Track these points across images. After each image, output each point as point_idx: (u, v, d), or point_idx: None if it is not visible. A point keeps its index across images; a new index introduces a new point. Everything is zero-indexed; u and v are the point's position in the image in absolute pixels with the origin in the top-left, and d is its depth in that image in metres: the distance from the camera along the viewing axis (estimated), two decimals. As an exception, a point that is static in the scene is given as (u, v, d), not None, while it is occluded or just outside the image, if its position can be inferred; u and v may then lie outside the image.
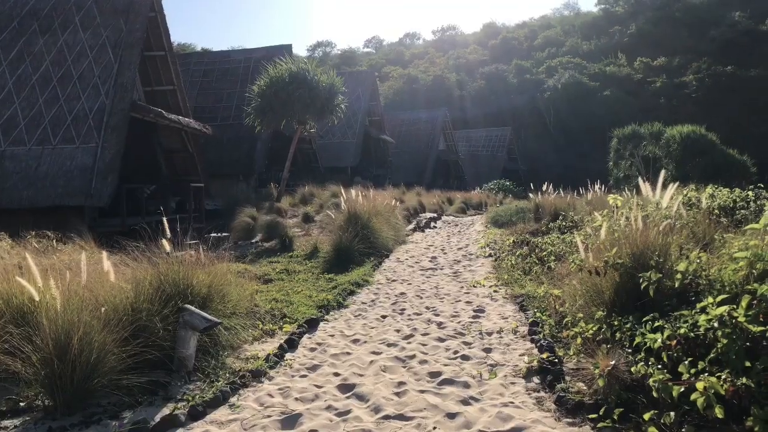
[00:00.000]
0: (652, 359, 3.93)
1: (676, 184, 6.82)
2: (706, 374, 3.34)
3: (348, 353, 5.81)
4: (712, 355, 3.44)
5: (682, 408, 3.51)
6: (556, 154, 61.63)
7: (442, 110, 51.58)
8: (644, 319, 4.23)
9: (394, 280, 9.77)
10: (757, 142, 44.79)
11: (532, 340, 5.85)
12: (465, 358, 5.46)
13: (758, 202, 8.08)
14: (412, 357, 5.55)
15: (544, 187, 17.83)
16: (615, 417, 3.77)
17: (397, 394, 4.65)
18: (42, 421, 4.16)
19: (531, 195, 18.42)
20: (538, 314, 6.64)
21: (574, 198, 17.57)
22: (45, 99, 15.23)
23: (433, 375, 5.03)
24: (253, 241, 14.44)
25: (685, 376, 3.44)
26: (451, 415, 4.20)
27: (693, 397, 3.20)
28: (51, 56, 16.02)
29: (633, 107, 58.62)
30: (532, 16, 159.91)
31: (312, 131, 24.65)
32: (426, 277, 9.99)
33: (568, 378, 4.67)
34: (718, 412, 3.10)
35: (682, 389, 3.34)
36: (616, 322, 4.58)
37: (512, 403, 4.40)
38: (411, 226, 18.18)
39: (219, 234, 12.99)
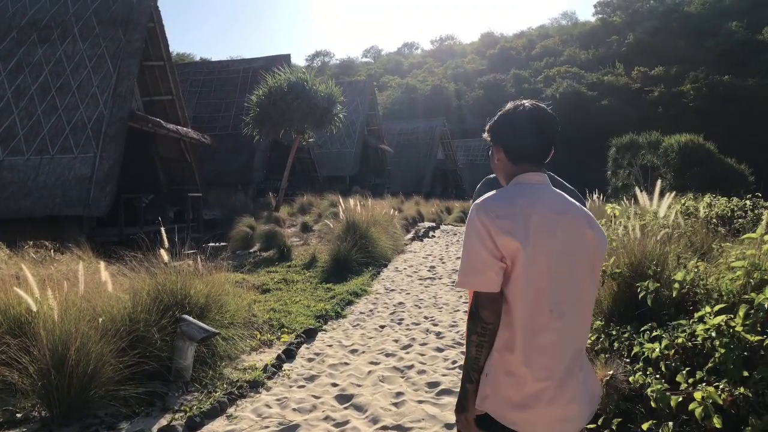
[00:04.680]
0: (650, 369, 3.93)
1: (674, 193, 6.84)
2: (704, 384, 3.34)
3: (346, 363, 5.80)
4: (710, 365, 3.44)
5: (680, 418, 3.51)
6: (554, 164, 61.58)
7: (440, 120, 51.67)
8: (642, 328, 4.23)
9: (392, 290, 9.76)
10: (755, 151, 44.85)
11: (531, 350, 5.84)
12: (463, 368, 5.45)
13: (756, 211, 8.10)
14: (411, 367, 5.55)
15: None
16: (613, 427, 3.76)
17: (396, 404, 4.64)
18: (38, 433, 4.15)
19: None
20: (536, 324, 6.63)
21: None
22: (44, 109, 15.25)
23: (432, 385, 5.02)
24: (252, 250, 14.42)
25: (683, 386, 3.44)
26: (450, 426, 4.19)
27: (691, 407, 3.20)
28: (50, 66, 16.06)
29: (631, 116, 58.71)
30: (530, 25, 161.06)
31: (310, 141, 24.68)
32: (424, 287, 9.98)
33: (566, 388, 4.66)
34: (716, 422, 3.09)
35: (680, 399, 3.34)
36: (614, 332, 4.58)
37: (510, 413, 4.39)
38: (409, 236, 18.18)
39: (217, 244, 12.97)
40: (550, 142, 2.13)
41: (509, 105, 2.17)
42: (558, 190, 2.08)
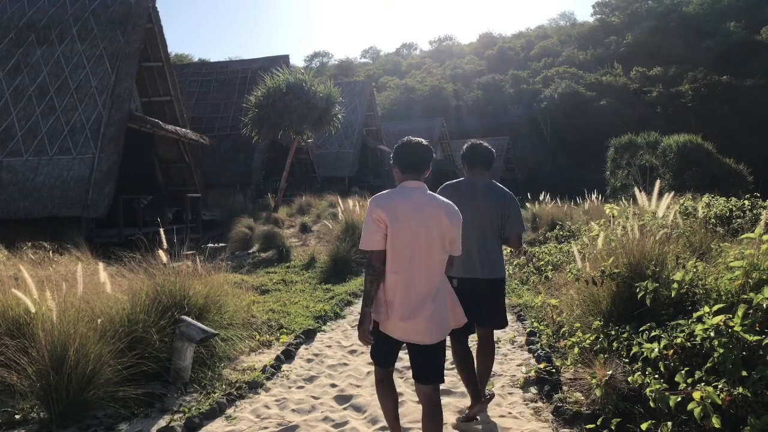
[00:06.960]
0: (649, 369, 3.93)
1: (673, 193, 6.85)
2: (703, 384, 3.34)
3: (345, 364, 5.80)
4: (708, 365, 3.44)
5: (679, 418, 3.51)
6: (553, 164, 61.74)
7: (438, 120, 51.67)
8: (641, 328, 4.24)
9: (391, 290, 9.73)
10: (753, 152, 44.86)
11: (530, 350, 5.85)
12: (462, 368, 5.45)
13: (754, 211, 8.09)
14: (410, 367, 5.53)
15: (542, 197, 17.85)
16: (612, 427, 3.76)
17: (395, 404, 4.63)
18: (37, 434, 4.14)
19: (528, 204, 18.41)
20: (535, 324, 6.64)
21: (572, 207, 17.60)
22: (42, 110, 15.23)
23: (431, 385, 5.01)
24: (251, 251, 14.42)
25: (682, 386, 3.44)
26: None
27: (690, 406, 3.20)
28: (48, 67, 16.04)
29: (629, 117, 58.72)
30: (529, 26, 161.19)
31: (309, 141, 24.69)
32: (423, 287, 9.95)
33: (565, 388, 4.66)
34: (715, 422, 3.10)
35: (679, 399, 3.34)
36: (613, 332, 4.58)
37: (510, 413, 4.39)
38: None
39: (216, 244, 12.97)
40: (426, 162, 3.33)
41: (403, 138, 3.39)
42: (430, 192, 3.30)
